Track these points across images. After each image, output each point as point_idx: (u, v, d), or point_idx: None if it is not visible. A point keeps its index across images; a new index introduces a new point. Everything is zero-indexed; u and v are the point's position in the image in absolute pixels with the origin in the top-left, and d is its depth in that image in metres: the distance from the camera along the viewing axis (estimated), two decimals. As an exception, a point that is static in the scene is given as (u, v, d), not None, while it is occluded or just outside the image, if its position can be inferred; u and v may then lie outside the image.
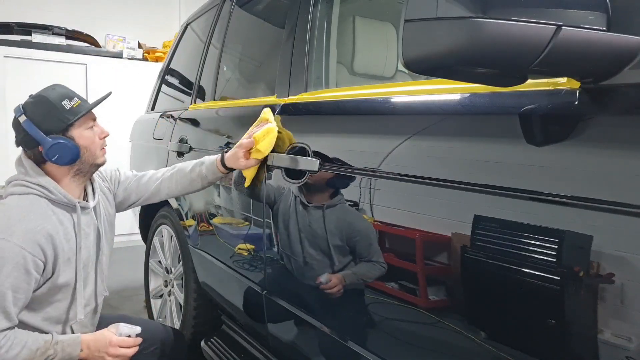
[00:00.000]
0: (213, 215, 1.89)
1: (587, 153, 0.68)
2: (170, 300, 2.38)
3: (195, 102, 2.25)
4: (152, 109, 2.88)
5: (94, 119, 1.48)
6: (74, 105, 1.41)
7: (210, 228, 1.90)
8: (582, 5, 0.61)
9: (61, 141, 1.37)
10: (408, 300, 0.97)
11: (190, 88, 2.36)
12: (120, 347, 1.42)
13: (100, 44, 5.08)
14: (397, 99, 1.10)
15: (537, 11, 0.59)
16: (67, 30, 4.76)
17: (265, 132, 1.39)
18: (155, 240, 2.51)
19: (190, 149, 2.06)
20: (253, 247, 1.60)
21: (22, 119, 1.37)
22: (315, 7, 1.48)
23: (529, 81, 0.73)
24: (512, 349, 0.78)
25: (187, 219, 2.10)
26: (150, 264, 2.59)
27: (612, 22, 0.61)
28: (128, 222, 3.68)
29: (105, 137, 1.51)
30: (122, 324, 1.47)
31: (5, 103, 4.18)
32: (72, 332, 1.46)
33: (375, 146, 1.07)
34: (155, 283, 2.57)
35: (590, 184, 0.66)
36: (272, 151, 1.41)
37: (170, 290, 2.38)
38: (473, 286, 0.84)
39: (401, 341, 1.01)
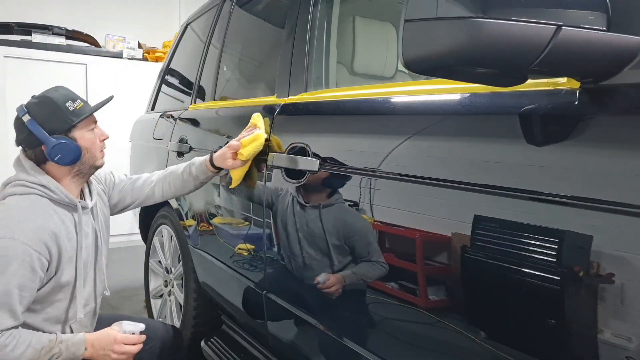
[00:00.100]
0: (213, 215, 1.89)
1: (587, 153, 0.68)
2: (170, 300, 2.38)
3: (195, 102, 2.25)
4: (152, 109, 2.88)
5: (95, 122, 1.50)
6: (77, 107, 1.43)
7: (210, 228, 1.90)
8: (582, 5, 0.61)
9: (64, 141, 1.38)
10: (408, 300, 0.97)
11: (190, 88, 2.36)
12: (125, 344, 1.42)
13: (100, 44, 5.08)
14: (397, 99, 1.10)
15: (537, 11, 0.59)
16: (67, 30, 4.76)
17: (253, 139, 1.44)
18: (155, 240, 2.51)
19: (190, 149, 2.06)
20: (253, 247, 1.60)
21: (26, 118, 1.38)
22: (315, 7, 1.48)
23: (529, 81, 0.73)
24: (512, 349, 0.78)
25: (187, 219, 2.10)
26: (150, 264, 2.59)
27: (612, 22, 0.61)
28: (128, 222, 3.67)
29: (104, 139, 1.53)
30: (125, 322, 1.47)
31: (5, 103, 4.18)
32: (72, 332, 1.46)
33: (375, 146, 1.07)
34: (155, 283, 2.58)
35: (590, 184, 0.66)
36: (272, 152, 1.42)
37: (170, 290, 2.38)
38: (473, 286, 0.84)
39: (401, 341, 1.01)
